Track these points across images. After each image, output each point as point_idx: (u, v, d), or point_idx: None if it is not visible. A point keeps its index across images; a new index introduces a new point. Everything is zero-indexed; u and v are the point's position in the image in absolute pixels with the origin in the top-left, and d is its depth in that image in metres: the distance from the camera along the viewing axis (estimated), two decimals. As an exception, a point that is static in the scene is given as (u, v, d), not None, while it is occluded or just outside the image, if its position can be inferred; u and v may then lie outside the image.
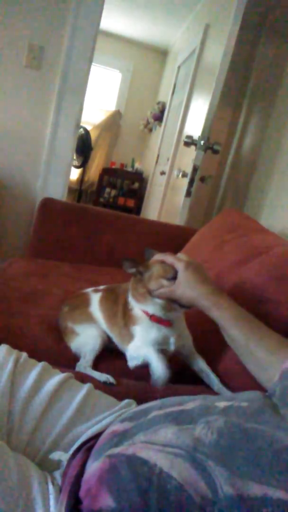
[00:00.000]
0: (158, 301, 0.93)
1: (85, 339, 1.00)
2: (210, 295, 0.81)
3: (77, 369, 0.94)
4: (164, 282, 0.90)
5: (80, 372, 0.92)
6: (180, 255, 0.91)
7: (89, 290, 1.14)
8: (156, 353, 0.89)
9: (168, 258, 0.89)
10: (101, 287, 1.13)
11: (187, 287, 0.83)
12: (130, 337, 0.96)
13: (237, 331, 0.75)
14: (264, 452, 0.39)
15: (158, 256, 0.94)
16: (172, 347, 0.95)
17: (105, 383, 0.87)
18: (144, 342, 0.93)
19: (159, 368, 0.85)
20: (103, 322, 1.04)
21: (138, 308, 0.96)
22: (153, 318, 0.94)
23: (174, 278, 0.89)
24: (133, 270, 0.95)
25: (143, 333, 0.94)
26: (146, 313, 0.95)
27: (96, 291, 1.12)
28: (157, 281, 0.91)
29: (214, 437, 0.42)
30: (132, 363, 0.95)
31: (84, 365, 0.95)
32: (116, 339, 1.02)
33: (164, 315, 0.94)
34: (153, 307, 0.94)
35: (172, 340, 0.95)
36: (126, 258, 0.95)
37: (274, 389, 0.51)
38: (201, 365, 0.99)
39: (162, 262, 0.92)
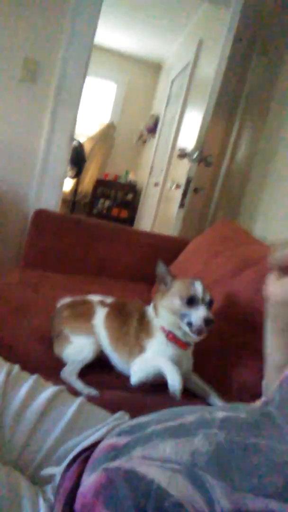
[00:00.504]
0: (168, 316, 0.92)
1: (78, 350, 0.97)
2: None
3: (61, 375, 0.93)
4: (176, 301, 0.91)
5: (72, 386, 0.91)
6: None
7: (95, 300, 1.09)
8: (172, 363, 0.87)
9: None
10: (108, 300, 1.09)
11: None
12: (140, 350, 0.93)
13: None
14: (263, 465, 0.38)
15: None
16: (183, 369, 0.92)
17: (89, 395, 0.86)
18: (157, 355, 0.91)
19: (176, 379, 0.82)
20: (107, 341, 1.00)
21: (156, 322, 0.95)
22: (169, 336, 0.92)
23: (188, 302, 0.88)
24: (163, 275, 0.96)
25: (157, 348, 0.92)
26: (163, 329, 0.93)
27: (102, 304, 1.06)
28: (171, 297, 0.92)
29: (212, 447, 0.41)
30: (136, 377, 0.91)
31: (70, 373, 0.93)
32: (120, 359, 0.98)
33: (182, 336, 0.92)
34: (169, 323, 0.93)
35: (184, 364, 0.94)
36: (162, 261, 0.96)
37: (273, 398, 0.50)
38: (195, 380, 0.98)
39: (187, 282, 0.92)
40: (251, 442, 0.41)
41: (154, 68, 4.95)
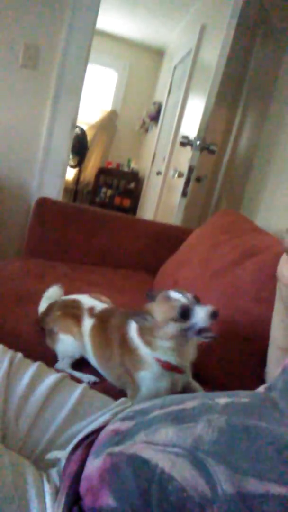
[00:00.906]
0: (169, 345, 0.81)
1: (65, 347, 0.99)
2: None
3: (55, 367, 0.95)
4: (171, 326, 0.79)
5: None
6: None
7: (85, 305, 1.03)
8: None
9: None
10: (98, 306, 1.02)
11: None
12: (133, 383, 0.84)
13: None
14: (265, 449, 0.39)
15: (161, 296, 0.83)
16: (179, 389, 0.87)
17: (88, 383, 0.87)
18: (152, 387, 0.83)
19: None
20: (92, 356, 0.96)
21: (149, 354, 0.84)
22: (166, 365, 0.83)
23: (182, 316, 0.78)
24: (141, 319, 0.83)
25: (152, 381, 0.83)
26: (159, 360, 0.83)
27: (90, 313, 1.00)
28: (163, 326, 0.80)
29: (215, 435, 0.42)
30: None
31: (62, 366, 0.96)
32: (109, 379, 0.93)
33: (179, 362, 0.83)
34: (166, 353, 0.82)
35: (180, 382, 0.87)
36: (136, 313, 0.82)
37: (276, 383, 0.51)
38: (196, 387, 0.94)
39: (163, 302, 0.82)
40: (252, 425, 0.42)
41: (156, 54, 4.88)
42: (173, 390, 0.86)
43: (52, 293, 1.19)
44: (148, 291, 0.91)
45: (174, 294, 0.81)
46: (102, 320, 0.98)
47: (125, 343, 0.87)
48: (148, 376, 0.83)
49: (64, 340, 0.99)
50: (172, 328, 0.79)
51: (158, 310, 0.82)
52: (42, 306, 1.15)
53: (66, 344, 0.99)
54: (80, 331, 0.99)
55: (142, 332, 0.85)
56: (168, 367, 0.83)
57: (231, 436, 0.41)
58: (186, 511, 0.38)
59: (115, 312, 0.99)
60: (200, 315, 0.78)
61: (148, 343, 0.83)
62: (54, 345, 1.01)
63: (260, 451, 0.39)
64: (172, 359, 0.83)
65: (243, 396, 0.48)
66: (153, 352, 0.83)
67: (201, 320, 0.78)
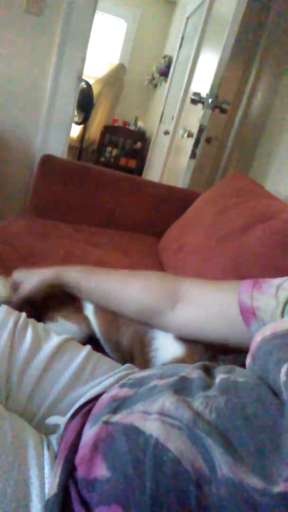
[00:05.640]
0: None
1: (61, 329, 0.82)
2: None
3: None
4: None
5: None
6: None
7: None
8: None
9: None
10: None
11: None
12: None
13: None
14: (267, 444, 0.37)
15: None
16: None
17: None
18: None
19: None
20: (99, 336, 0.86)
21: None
22: None
23: None
24: None
25: None
26: None
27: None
28: None
29: (213, 416, 0.41)
30: None
31: None
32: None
33: None
34: None
35: None
36: None
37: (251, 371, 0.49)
38: None
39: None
40: (252, 412, 0.40)
41: (168, 3, 4.59)
42: None
43: None
44: None
45: None
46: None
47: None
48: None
49: (65, 325, 0.85)
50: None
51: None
52: None
53: (64, 328, 0.84)
54: (85, 316, 0.87)
55: None
56: None
57: (230, 422, 0.40)
58: (181, 485, 0.37)
59: None
60: None
61: None
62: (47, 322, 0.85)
63: (262, 447, 0.37)
64: None
65: (239, 375, 0.47)
66: None
67: None
